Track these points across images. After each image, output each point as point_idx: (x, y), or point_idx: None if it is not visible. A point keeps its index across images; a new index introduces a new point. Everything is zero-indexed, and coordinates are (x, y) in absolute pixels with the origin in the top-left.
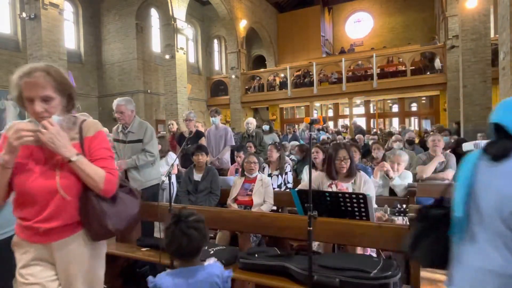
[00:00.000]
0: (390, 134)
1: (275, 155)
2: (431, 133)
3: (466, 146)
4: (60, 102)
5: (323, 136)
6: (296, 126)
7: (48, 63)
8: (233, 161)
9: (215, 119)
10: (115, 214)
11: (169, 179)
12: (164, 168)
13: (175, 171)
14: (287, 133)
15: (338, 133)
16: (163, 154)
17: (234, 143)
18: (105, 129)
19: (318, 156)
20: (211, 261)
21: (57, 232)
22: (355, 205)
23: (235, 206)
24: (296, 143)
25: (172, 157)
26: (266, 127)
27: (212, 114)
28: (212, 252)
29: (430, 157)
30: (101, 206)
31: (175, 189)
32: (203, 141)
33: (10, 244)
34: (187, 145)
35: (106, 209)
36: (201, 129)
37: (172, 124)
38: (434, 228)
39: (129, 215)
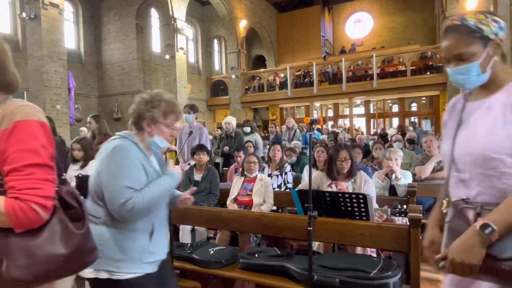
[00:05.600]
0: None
1: (279, 154)
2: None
3: None
4: None
5: (323, 136)
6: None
7: None
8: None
9: (188, 116)
10: (23, 251)
11: None
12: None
13: None
14: (268, 133)
15: (335, 134)
16: (84, 162)
17: (209, 147)
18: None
19: (322, 155)
20: None
21: None
22: (355, 205)
23: (235, 206)
24: (298, 143)
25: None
26: (247, 129)
27: (186, 110)
28: (212, 252)
29: (427, 157)
30: (3, 235)
31: None
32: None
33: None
34: None
35: (10, 241)
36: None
37: (90, 123)
38: None
39: (51, 256)
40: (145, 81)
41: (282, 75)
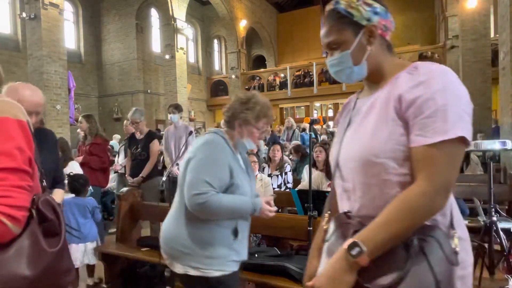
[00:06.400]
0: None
1: (278, 154)
2: None
3: None
4: None
5: (323, 136)
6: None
7: None
8: None
9: (173, 117)
10: None
11: (169, 180)
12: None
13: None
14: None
15: (334, 134)
16: (63, 163)
17: None
18: (22, 117)
19: (320, 155)
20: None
21: None
22: None
23: None
24: (298, 143)
25: (75, 169)
26: None
27: (170, 110)
28: None
29: None
30: None
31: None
32: (156, 144)
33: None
34: (137, 150)
35: None
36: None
37: (81, 123)
38: None
39: (14, 277)
40: (145, 81)
41: (282, 75)
